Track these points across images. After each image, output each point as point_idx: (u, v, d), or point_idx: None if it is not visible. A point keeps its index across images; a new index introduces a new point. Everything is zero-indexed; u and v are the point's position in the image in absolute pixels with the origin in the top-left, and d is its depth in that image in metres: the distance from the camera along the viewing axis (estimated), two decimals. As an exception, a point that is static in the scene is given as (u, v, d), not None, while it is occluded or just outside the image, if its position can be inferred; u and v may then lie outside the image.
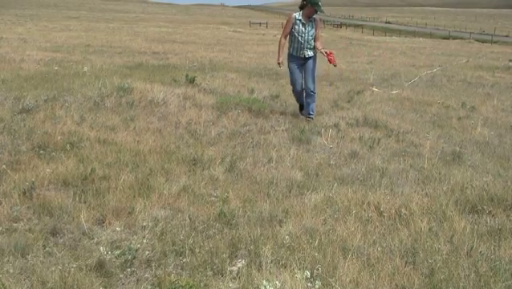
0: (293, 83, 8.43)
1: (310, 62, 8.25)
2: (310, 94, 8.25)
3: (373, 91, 11.76)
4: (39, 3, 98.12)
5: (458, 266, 3.55)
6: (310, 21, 8.13)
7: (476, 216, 4.53)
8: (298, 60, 8.24)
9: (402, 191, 5.03)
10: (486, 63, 23.28)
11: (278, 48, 8.37)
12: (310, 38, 8.13)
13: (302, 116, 8.48)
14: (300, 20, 8.07)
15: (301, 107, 8.72)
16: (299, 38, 8.09)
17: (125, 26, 47.49)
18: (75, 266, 3.39)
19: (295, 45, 8.17)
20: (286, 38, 8.20)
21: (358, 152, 6.47)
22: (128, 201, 4.46)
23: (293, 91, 8.59)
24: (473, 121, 8.99)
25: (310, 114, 8.37)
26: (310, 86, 8.22)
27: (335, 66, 8.12)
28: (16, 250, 3.52)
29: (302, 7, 8.06)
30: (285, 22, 8.33)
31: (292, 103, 9.08)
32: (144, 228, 3.98)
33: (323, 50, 8.04)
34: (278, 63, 8.41)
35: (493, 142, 7.66)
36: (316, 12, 7.98)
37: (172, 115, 7.90)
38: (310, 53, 8.22)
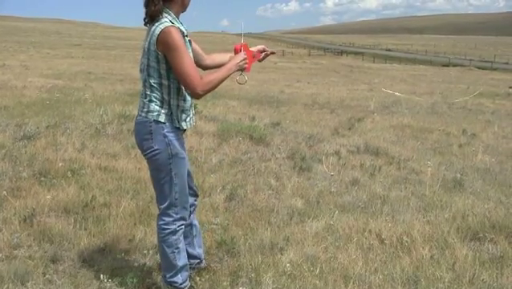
0: (186, 195, 3.53)
1: None
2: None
3: (374, 119, 11.81)
4: (42, 31, 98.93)
5: (461, 294, 3.52)
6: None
7: (478, 243, 4.51)
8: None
9: (403, 218, 5.01)
10: (486, 90, 23.39)
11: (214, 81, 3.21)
12: None
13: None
14: (187, 36, 3.30)
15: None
16: None
17: (127, 53, 47.80)
18: (74, 294, 3.37)
19: (187, 102, 3.33)
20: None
21: (359, 180, 6.47)
22: (129, 229, 4.45)
23: (182, 213, 3.44)
24: (474, 148, 9.00)
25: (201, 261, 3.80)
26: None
27: None
28: (16, 278, 3.49)
29: None
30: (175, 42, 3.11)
31: (293, 130, 9.03)
32: (144, 255, 3.97)
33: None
34: None
35: (494, 169, 7.65)
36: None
37: (173, 142, 7.89)
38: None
